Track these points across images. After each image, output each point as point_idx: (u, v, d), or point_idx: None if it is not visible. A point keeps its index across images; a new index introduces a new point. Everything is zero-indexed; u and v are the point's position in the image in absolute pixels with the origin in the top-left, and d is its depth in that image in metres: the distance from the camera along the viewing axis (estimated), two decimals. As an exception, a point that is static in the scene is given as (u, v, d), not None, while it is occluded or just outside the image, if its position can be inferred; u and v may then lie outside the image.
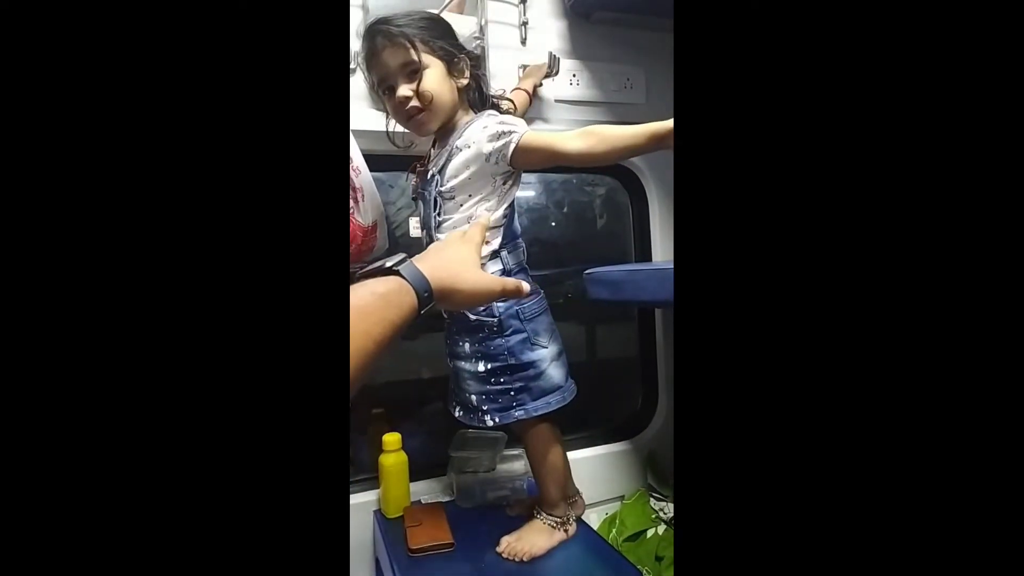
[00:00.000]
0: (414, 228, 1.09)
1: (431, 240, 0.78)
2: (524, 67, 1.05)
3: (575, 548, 0.81)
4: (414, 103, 0.74)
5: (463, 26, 1.12)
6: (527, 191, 1.34)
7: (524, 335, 0.77)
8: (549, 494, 0.83)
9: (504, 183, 0.76)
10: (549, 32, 1.10)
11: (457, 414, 0.85)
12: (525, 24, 1.07)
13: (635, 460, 1.24)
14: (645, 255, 1.26)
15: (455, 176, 0.75)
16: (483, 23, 1.04)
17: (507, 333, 0.77)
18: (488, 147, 0.72)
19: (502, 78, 1.03)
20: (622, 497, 1.20)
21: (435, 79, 0.74)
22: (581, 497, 0.92)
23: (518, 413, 0.78)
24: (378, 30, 0.73)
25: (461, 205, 0.76)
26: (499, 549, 0.80)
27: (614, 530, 1.12)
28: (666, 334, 1.27)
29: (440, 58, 0.75)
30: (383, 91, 0.77)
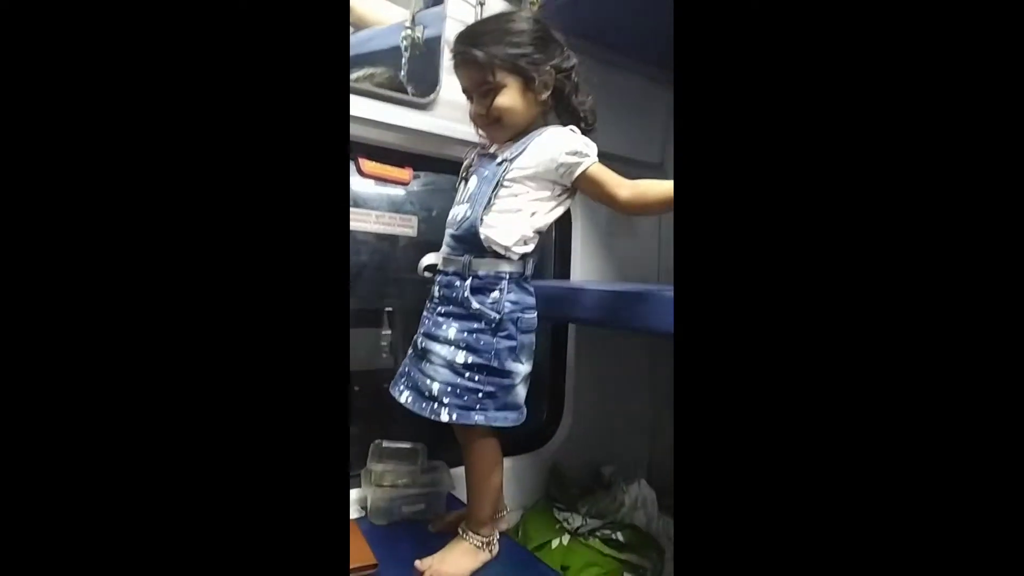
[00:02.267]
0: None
1: (474, 214, 0.75)
2: None
3: (501, 565, 0.80)
4: (485, 119, 0.76)
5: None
6: (445, 199, 1.30)
7: (513, 343, 0.75)
8: (481, 512, 0.80)
9: (560, 194, 0.77)
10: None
11: (404, 400, 0.79)
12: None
13: (538, 472, 1.27)
14: (564, 272, 1.30)
15: (523, 169, 0.74)
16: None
17: (501, 334, 0.74)
18: (561, 158, 0.73)
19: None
20: (524, 508, 1.22)
21: (509, 98, 0.74)
22: (507, 512, 0.91)
23: (478, 417, 0.74)
24: (459, 50, 0.74)
25: (516, 196, 0.75)
26: (421, 569, 0.76)
27: (518, 540, 1.12)
28: (577, 349, 1.32)
29: (519, 74, 0.74)
30: (467, 96, 0.78)
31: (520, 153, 0.75)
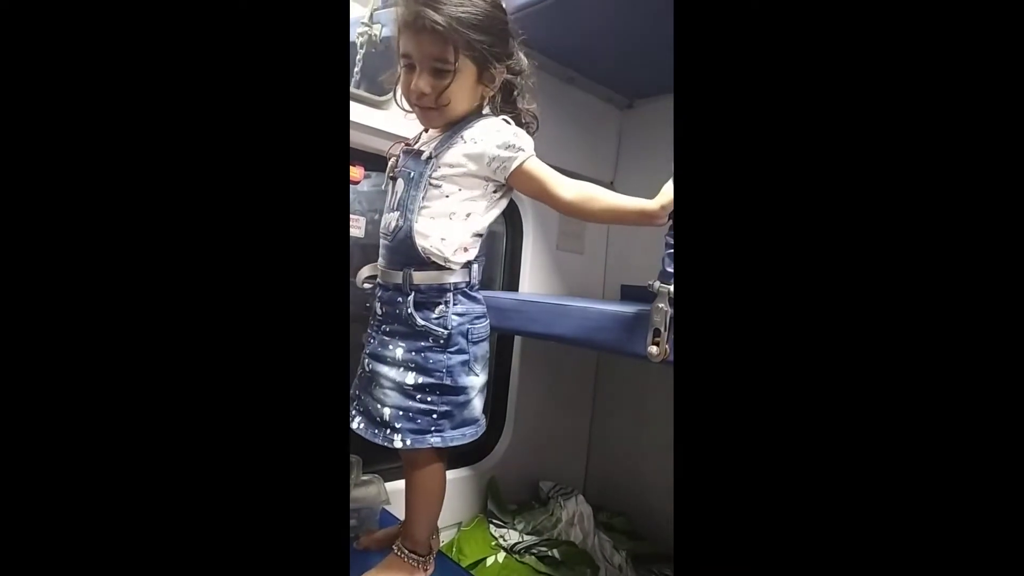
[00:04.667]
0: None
1: (407, 222, 0.69)
2: None
3: (435, 583, 0.77)
4: (429, 101, 0.67)
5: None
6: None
7: (466, 357, 0.71)
8: (419, 531, 0.77)
9: (495, 192, 0.72)
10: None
11: (356, 426, 0.73)
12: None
13: (475, 486, 1.24)
14: (513, 283, 1.30)
15: (451, 166, 0.69)
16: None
17: (451, 350, 0.70)
18: (493, 152, 0.68)
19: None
20: (460, 524, 1.19)
21: (461, 85, 0.67)
22: (438, 532, 0.88)
23: (434, 440, 0.70)
24: (418, 12, 0.63)
25: (447, 196, 0.69)
26: (353, 589, 0.71)
27: (452, 557, 1.09)
28: (522, 362, 1.31)
29: (476, 63, 0.67)
30: (404, 62, 0.68)
31: (448, 148, 0.69)
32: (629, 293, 1.38)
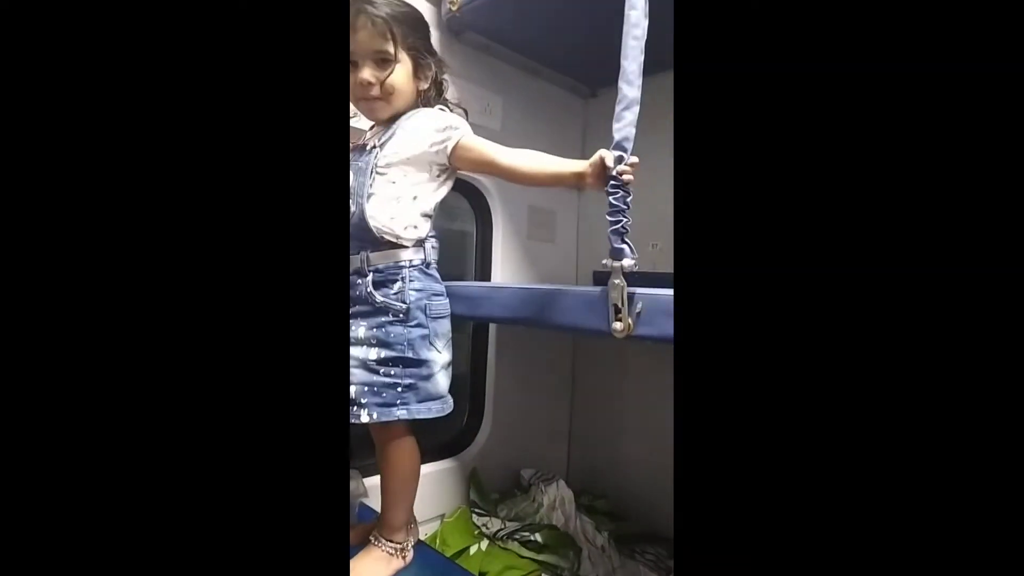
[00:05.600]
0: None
1: (359, 208, 0.73)
2: None
3: (416, 571, 0.78)
4: (375, 91, 0.73)
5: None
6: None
7: (425, 331, 0.74)
8: (395, 517, 0.77)
9: (439, 175, 0.77)
10: (420, 39, 1.08)
11: None
12: (398, 24, 1.03)
13: (457, 478, 1.25)
14: (485, 275, 1.30)
15: (395, 153, 0.74)
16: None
17: (411, 324, 0.73)
18: (432, 136, 0.74)
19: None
20: (443, 516, 1.19)
21: (402, 76, 0.74)
22: (416, 522, 0.88)
23: (400, 412, 0.72)
24: (363, 9, 0.70)
25: (393, 182, 0.74)
26: (330, 582, 0.71)
27: (436, 548, 1.10)
28: (498, 352, 1.32)
29: (411, 57, 0.75)
30: (351, 63, 0.74)
31: (390, 138, 0.75)
32: (601, 279, 1.39)
